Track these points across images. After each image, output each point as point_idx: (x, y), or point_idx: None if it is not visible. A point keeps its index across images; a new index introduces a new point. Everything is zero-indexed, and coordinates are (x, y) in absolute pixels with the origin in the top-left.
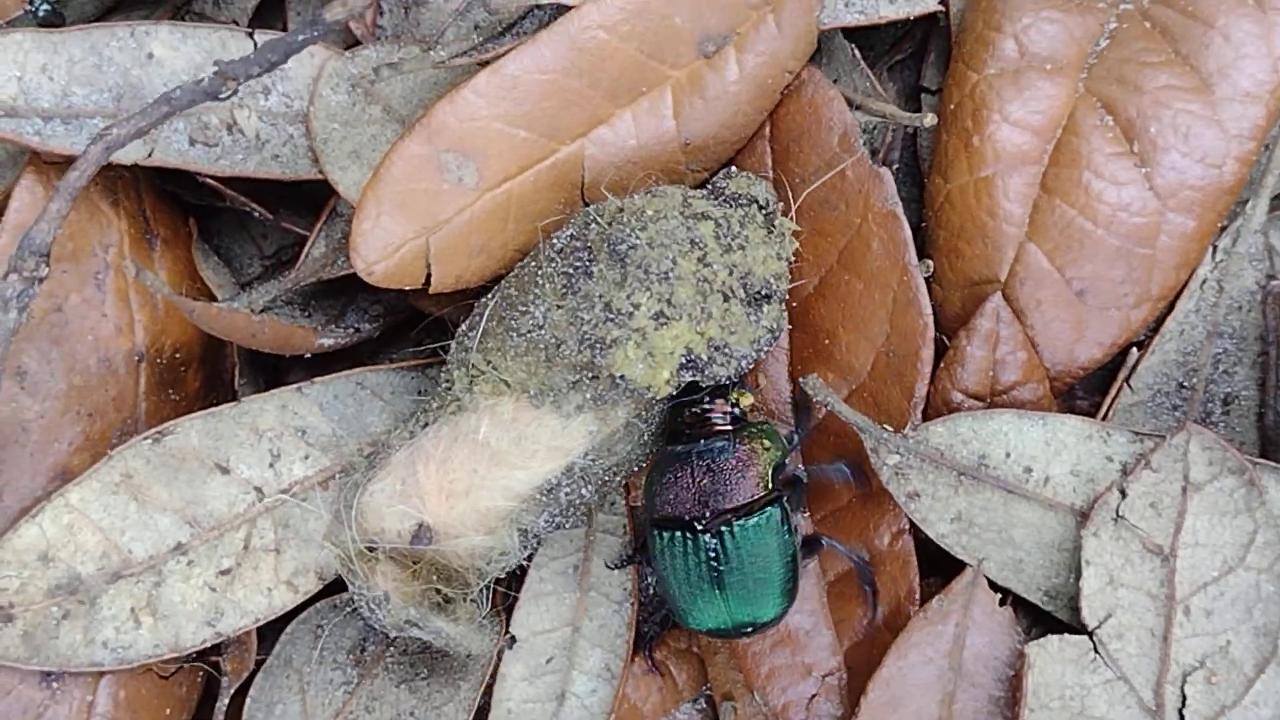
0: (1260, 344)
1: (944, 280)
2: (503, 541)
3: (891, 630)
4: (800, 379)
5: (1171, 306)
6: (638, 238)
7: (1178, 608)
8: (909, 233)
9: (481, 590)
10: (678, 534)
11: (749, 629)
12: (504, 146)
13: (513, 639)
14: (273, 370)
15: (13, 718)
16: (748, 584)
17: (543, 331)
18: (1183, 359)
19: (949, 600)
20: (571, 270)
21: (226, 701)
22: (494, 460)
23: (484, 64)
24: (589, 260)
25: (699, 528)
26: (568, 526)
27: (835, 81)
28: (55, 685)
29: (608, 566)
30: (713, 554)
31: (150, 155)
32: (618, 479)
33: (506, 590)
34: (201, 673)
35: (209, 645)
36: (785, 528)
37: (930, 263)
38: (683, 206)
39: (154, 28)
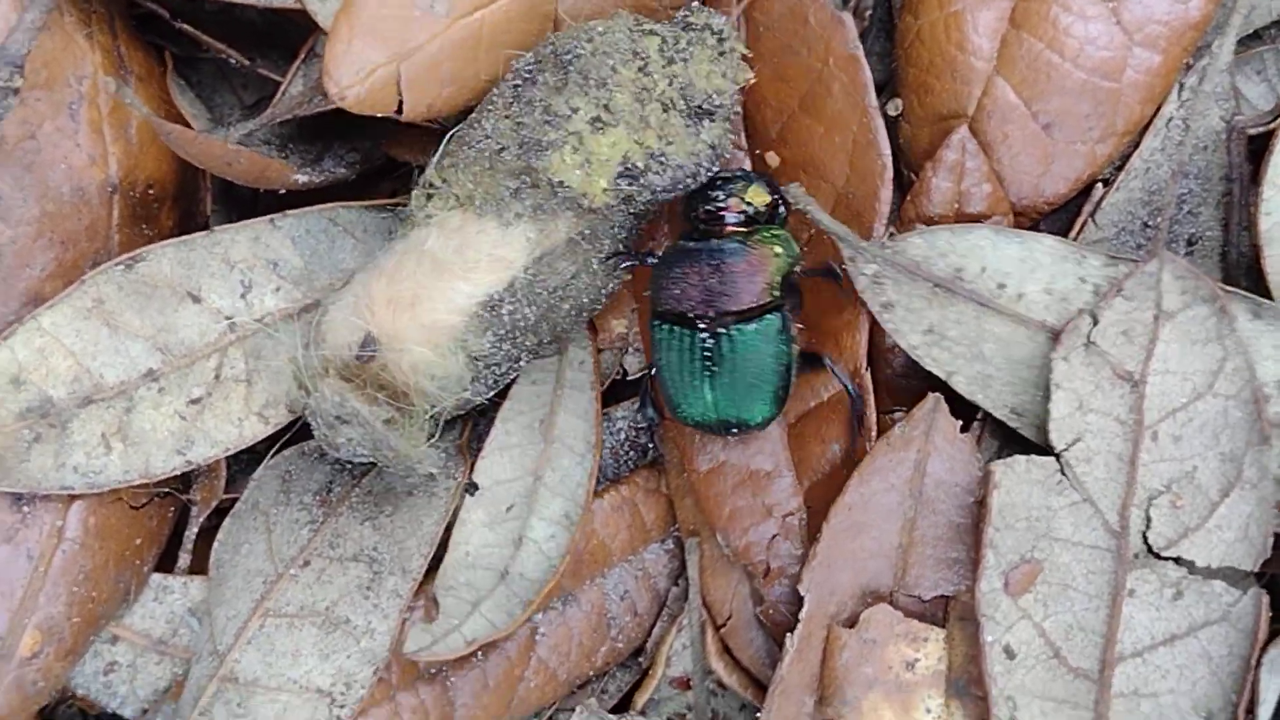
0: (1224, 184)
1: (913, 117)
2: (447, 361)
3: (850, 469)
4: (783, 185)
5: (1138, 144)
6: (582, 48)
7: (1146, 433)
8: (869, 75)
9: (431, 417)
10: (677, 328)
11: (734, 429)
12: None
13: (474, 486)
14: (247, 208)
15: None
16: (739, 386)
17: (489, 140)
18: (1147, 197)
19: (910, 427)
20: (519, 81)
21: (195, 531)
22: (437, 270)
23: None
24: (537, 71)
25: (700, 326)
26: (516, 358)
27: None
28: (26, 509)
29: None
30: (708, 353)
31: None
32: (566, 307)
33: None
34: (172, 507)
35: (179, 473)
36: (784, 336)
37: (900, 101)
38: (633, 25)
39: None
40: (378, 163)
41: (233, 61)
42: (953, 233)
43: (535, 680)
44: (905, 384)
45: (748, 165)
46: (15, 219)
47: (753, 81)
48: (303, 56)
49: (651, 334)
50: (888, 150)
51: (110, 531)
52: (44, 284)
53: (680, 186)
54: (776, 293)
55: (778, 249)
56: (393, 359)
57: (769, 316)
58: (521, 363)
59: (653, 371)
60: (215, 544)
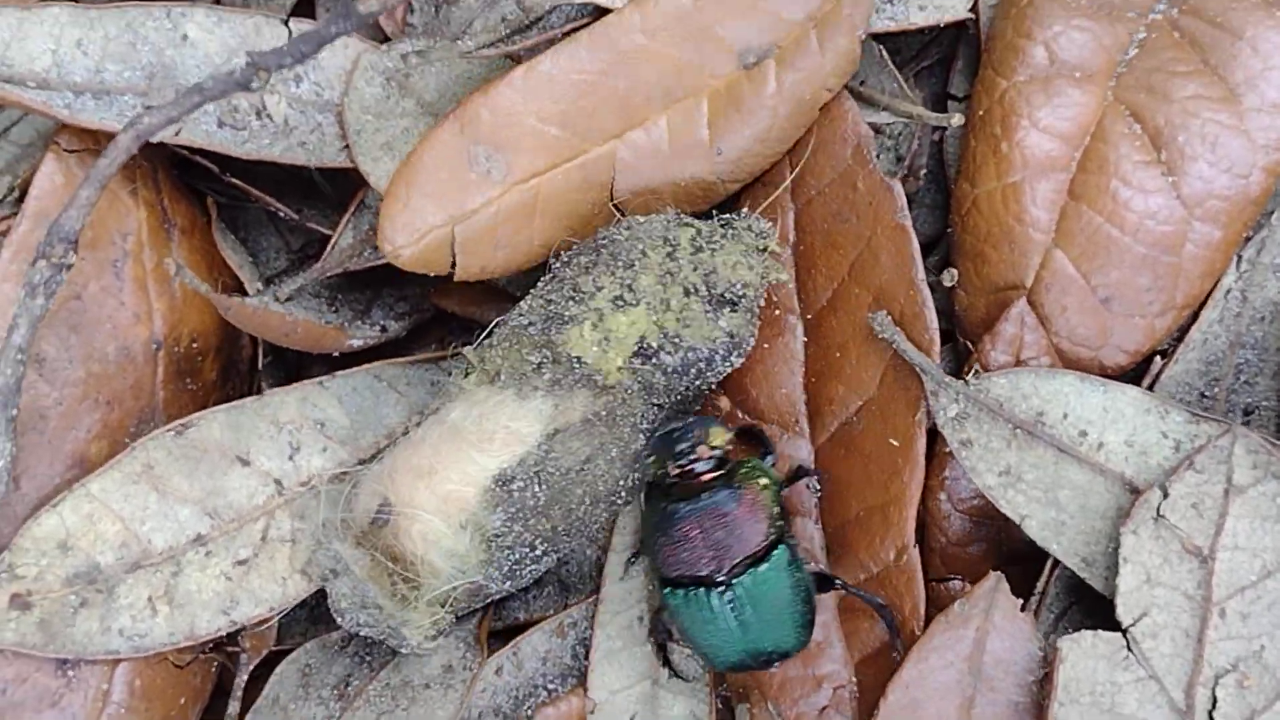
0: None
1: (969, 286)
2: (457, 536)
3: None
4: (869, 315)
5: (1196, 315)
6: (620, 234)
7: (1214, 610)
8: (917, 247)
9: (441, 602)
10: (696, 591)
11: (775, 660)
12: (535, 143)
13: (593, 705)
14: (292, 364)
15: (29, 705)
16: (769, 623)
17: (521, 317)
18: (1205, 368)
19: (970, 604)
20: (559, 265)
21: (244, 679)
22: (456, 440)
23: (515, 59)
24: (576, 255)
25: (718, 582)
26: (531, 545)
27: (863, 83)
28: (71, 673)
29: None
30: (732, 604)
31: (178, 135)
32: (579, 492)
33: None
34: (215, 664)
35: (224, 634)
36: (795, 564)
37: (955, 271)
38: (673, 218)
39: (190, 9)
40: (426, 314)
41: (281, 214)
42: (1037, 376)
43: None
44: (960, 553)
45: (801, 329)
46: (61, 381)
47: (782, 279)
48: (352, 209)
49: (665, 598)
50: (935, 325)
51: (155, 693)
52: (89, 445)
53: (692, 371)
54: (779, 523)
55: (762, 480)
56: (404, 526)
57: (777, 550)
58: (539, 554)
59: (665, 617)
60: None
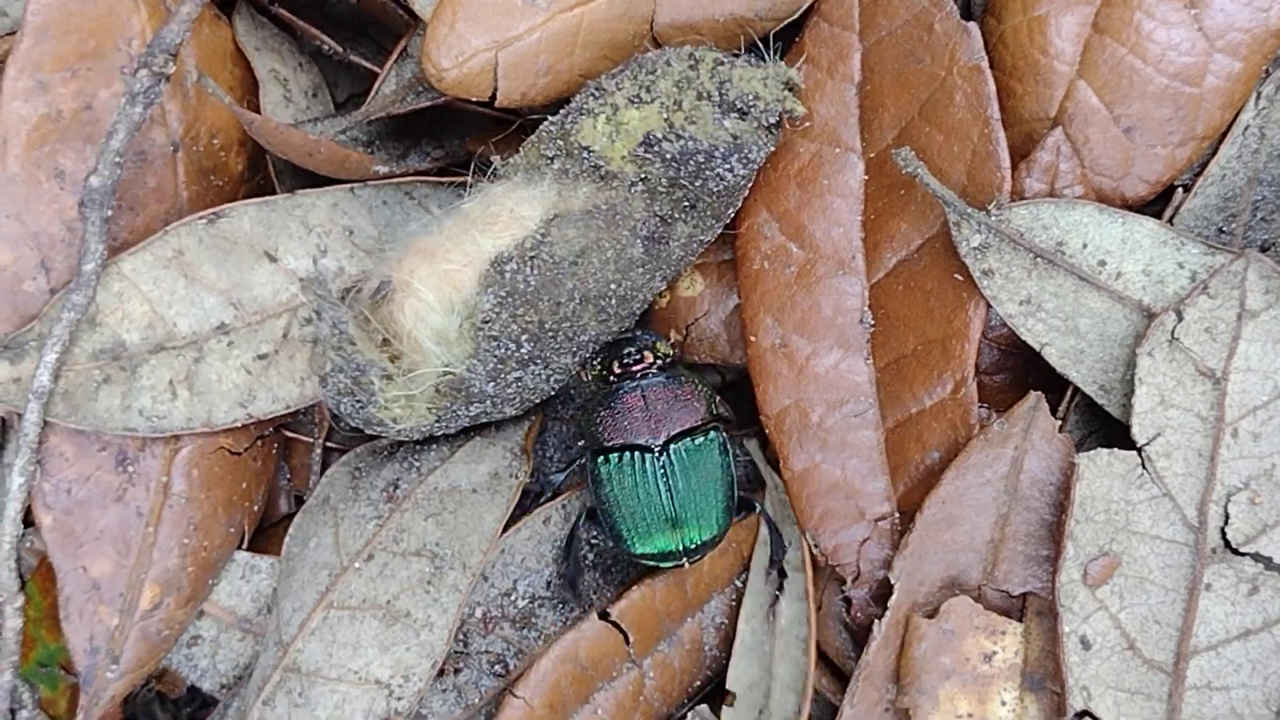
0: None
1: None
2: (447, 317)
3: None
4: (891, 151)
5: (1215, 150)
6: (651, 49)
7: (1226, 430)
8: (993, 87)
9: (420, 380)
10: (629, 456)
11: (694, 551)
12: None
13: (732, 697)
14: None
15: (95, 502)
16: (694, 496)
17: (547, 124)
18: (1223, 203)
19: (1010, 424)
20: (591, 81)
21: (319, 455)
22: (464, 225)
23: None
24: (612, 72)
25: (655, 449)
26: (517, 341)
27: None
28: (131, 468)
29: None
30: (664, 473)
31: None
32: (569, 286)
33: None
34: (276, 445)
35: (238, 425)
36: (726, 456)
37: None
38: (705, 47)
39: None
40: (460, 159)
41: (325, 49)
42: (1057, 206)
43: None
44: (989, 381)
45: (861, 168)
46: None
47: (799, 113)
48: (395, 56)
49: (596, 471)
50: (1007, 162)
51: (215, 480)
52: (118, 251)
53: (691, 164)
54: (713, 412)
55: (700, 385)
56: (399, 300)
57: (713, 432)
58: (525, 354)
59: (581, 521)
60: (286, 537)
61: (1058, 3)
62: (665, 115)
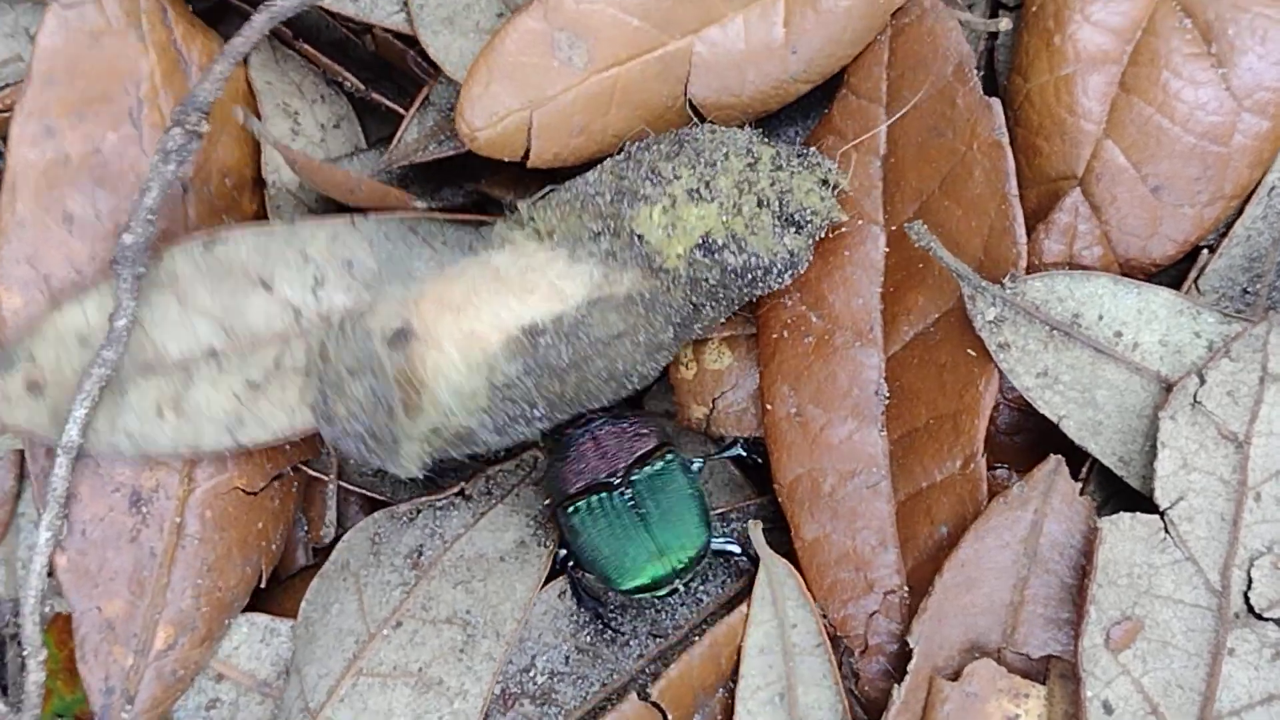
0: None
1: (1022, 178)
2: (470, 376)
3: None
4: (905, 225)
5: (1241, 210)
6: (703, 134)
7: (1249, 494)
8: (1012, 164)
9: (428, 427)
10: (595, 498)
11: (684, 570)
12: (616, 33)
13: None
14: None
15: (110, 543)
16: (670, 516)
17: (588, 187)
18: (1248, 264)
19: (1029, 487)
20: (634, 149)
21: (334, 495)
22: (496, 284)
23: None
24: (655, 142)
25: (616, 482)
26: (531, 404)
27: None
28: (144, 509)
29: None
30: (632, 503)
31: None
32: (599, 364)
33: None
34: (294, 484)
35: (227, 452)
36: (689, 470)
37: None
38: (755, 135)
39: None
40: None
41: (347, 86)
42: (1072, 278)
43: None
44: (1008, 441)
45: (883, 240)
46: (91, 236)
47: (843, 220)
48: (418, 104)
49: (569, 521)
50: (1024, 237)
51: (229, 521)
52: None
53: (748, 276)
54: (666, 435)
55: (645, 415)
56: (420, 352)
57: (668, 453)
58: (536, 415)
59: (571, 565)
60: (304, 602)
61: (1085, 62)
62: (725, 219)
